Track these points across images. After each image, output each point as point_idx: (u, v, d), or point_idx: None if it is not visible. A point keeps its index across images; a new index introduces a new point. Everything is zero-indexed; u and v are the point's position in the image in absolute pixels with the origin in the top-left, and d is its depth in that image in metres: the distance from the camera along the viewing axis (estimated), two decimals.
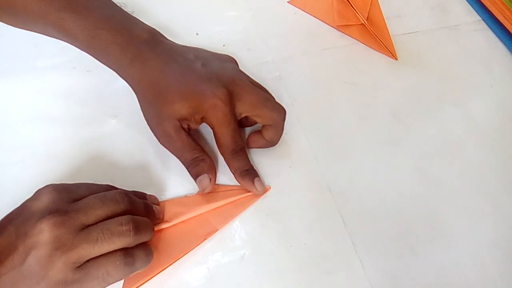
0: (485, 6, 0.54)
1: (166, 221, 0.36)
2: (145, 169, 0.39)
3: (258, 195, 0.38)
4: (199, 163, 0.37)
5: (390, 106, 0.45)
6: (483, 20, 0.54)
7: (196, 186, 0.38)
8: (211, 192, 0.38)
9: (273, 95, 0.42)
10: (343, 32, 0.51)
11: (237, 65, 0.42)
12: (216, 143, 0.38)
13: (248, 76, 0.41)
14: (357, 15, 0.50)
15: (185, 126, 0.37)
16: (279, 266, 0.36)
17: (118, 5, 0.39)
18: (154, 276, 0.34)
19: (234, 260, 0.36)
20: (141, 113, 0.38)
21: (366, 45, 0.50)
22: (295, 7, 0.53)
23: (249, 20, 0.51)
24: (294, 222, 0.38)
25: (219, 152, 0.39)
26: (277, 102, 0.40)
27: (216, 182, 0.39)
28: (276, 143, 0.41)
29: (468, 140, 0.44)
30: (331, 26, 0.51)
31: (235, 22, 0.51)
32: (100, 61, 0.37)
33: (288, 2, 0.53)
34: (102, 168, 0.39)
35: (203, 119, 0.37)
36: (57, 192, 0.30)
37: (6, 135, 0.40)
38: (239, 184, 0.38)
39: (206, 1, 0.52)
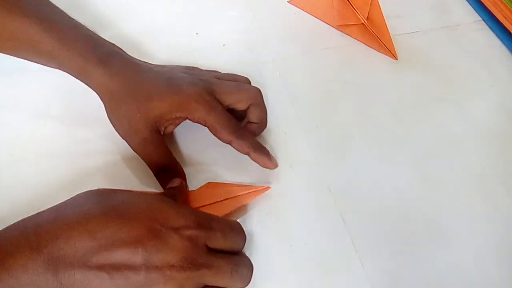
0: (485, 6, 0.54)
1: None
2: (145, 167, 0.39)
3: (258, 193, 0.38)
4: (169, 174, 0.37)
5: (390, 106, 0.45)
6: (483, 20, 0.54)
7: (194, 184, 0.38)
8: (210, 189, 0.38)
9: (273, 95, 0.42)
10: (343, 32, 0.51)
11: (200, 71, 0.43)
12: (214, 132, 0.37)
13: (214, 72, 0.42)
14: (357, 15, 0.50)
15: (161, 128, 0.37)
16: (279, 266, 0.36)
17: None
18: None
19: None
20: None
21: (366, 45, 0.50)
22: (295, 7, 0.53)
23: (249, 20, 0.51)
24: (294, 222, 0.38)
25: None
26: (249, 85, 0.41)
27: (218, 180, 0.39)
28: (266, 123, 0.40)
29: (468, 140, 0.44)
30: (331, 26, 0.51)
31: (235, 22, 0.50)
32: (61, 65, 0.36)
33: (288, 2, 0.53)
34: (102, 167, 0.39)
35: (186, 117, 0.37)
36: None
37: (6, 134, 0.40)
38: (238, 182, 0.38)
39: (206, 1, 0.52)
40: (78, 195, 0.30)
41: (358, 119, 0.44)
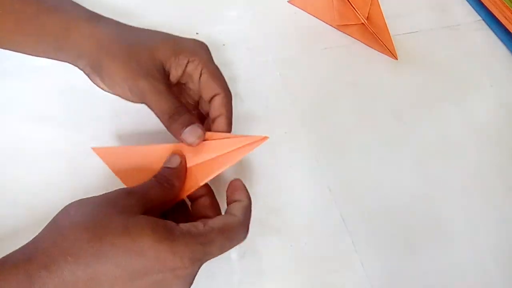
0: (485, 6, 0.54)
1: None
2: None
3: (255, 144, 0.34)
4: (184, 114, 0.33)
5: (390, 105, 0.45)
6: (483, 20, 0.54)
7: None
8: (206, 143, 0.34)
9: (273, 95, 0.42)
10: (343, 32, 0.51)
11: None
12: (205, 81, 0.35)
13: None
14: (357, 14, 0.50)
15: (167, 73, 0.35)
16: (279, 265, 0.36)
17: None
18: None
19: (234, 260, 0.36)
20: (143, 112, 0.36)
21: (366, 44, 0.50)
22: (295, 7, 0.53)
23: (249, 20, 0.51)
24: (294, 222, 0.38)
25: None
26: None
27: None
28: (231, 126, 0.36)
29: (468, 139, 0.44)
30: (331, 25, 0.51)
31: (235, 22, 0.50)
32: (44, 26, 0.35)
33: (288, 2, 0.53)
34: (102, 168, 0.39)
35: (187, 61, 0.35)
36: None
37: (5, 134, 0.40)
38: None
39: (206, 1, 0.52)
40: (61, 224, 0.27)
41: (358, 118, 0.44)
